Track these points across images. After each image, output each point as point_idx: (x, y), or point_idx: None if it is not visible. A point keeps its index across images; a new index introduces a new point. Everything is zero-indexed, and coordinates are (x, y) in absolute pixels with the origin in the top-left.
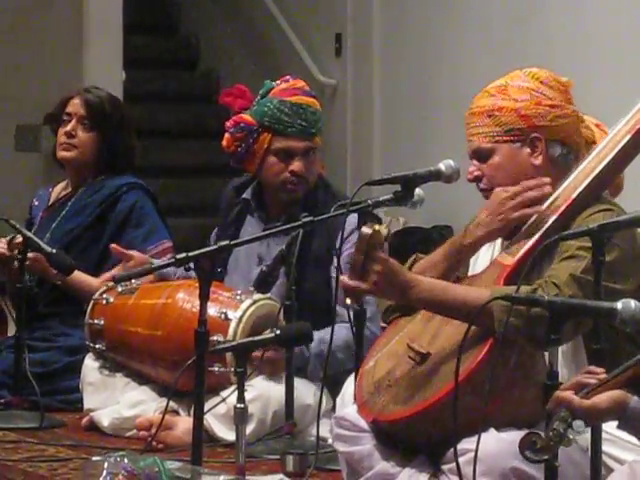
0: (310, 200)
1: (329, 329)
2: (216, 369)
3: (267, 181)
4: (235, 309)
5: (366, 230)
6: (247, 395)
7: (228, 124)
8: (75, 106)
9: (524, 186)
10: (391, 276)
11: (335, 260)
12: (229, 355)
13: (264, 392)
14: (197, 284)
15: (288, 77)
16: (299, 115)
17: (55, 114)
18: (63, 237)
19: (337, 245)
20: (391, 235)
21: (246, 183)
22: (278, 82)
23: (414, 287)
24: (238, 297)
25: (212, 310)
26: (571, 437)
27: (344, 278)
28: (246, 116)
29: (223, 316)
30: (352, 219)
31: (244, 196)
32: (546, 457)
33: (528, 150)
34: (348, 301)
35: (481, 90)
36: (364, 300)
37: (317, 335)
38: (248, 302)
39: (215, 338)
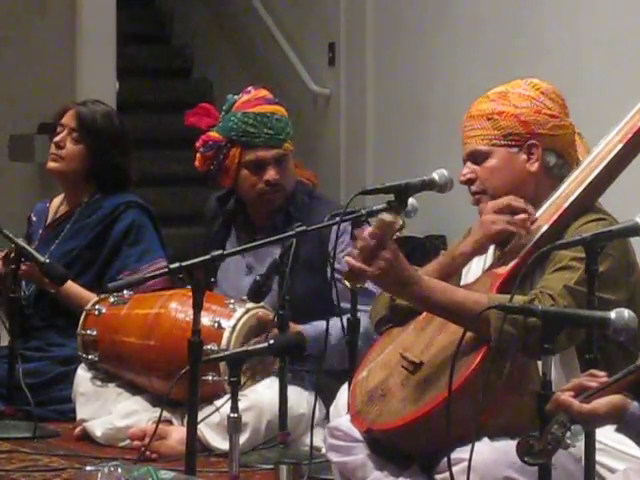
0: (291, 206)
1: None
2: (210, 378)
3: (244, 194)
4: (228, 318)
5: (386, 217)
6: (241, 404)
7: (197, 144)
8: (68, 117)
9: (512, 197)
10: (397, 267)
11: (330, 263)
12: (223, 364)
13: (258, 401)
14: (190, 293)
15: (250, 88)
16: (264, 124)
17: (52, 124)
18: (62, 258)
19: (330, 249)
20: (402, 230)
21: (228, 194)
22: (240, 95)
23: (416, 284)
24: (231, 306)
25: (205, 319)
26: (569, 441)
27: (350, 259)
28: (213, 134)
29: (216, 325)
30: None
31: (227, 207)
32: (543, 461)
33: (524, 156)
34: (347, 283)
35: (480, 96)
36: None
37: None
38: (241, 311)
39: (209, 347)
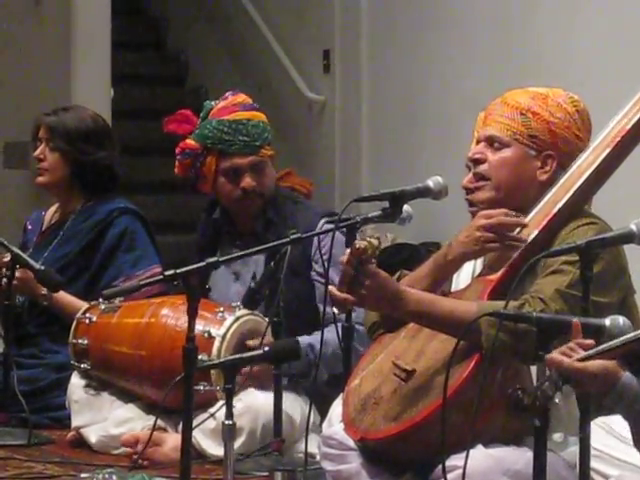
0: (272, 211)
1: (329, 329)
2: (201, 388)
3: (223, 201)
4: (219, 327)
5: (357, 243)
6: (235, 409)
7: (176, 151)
8: (42, 131)
9: (503, 212)
10: (380, 289)
11: (314, 265)
12: (214, 373)
13: (253, 404)
14: (179, 300)
15: (228, 94)
16: (239, 131)
17: (33, 139)
18: (55, 263)
19: (314, 251)
20: (380, 250)
21: (216, 203)
22: (217, 101)
23: (402, 299)
24: (220, 315)
25: (196, 327)
26: (557, 401)
27: (333, 289)
28: (190, 141)
29: (207, 335)
30: (323, 222)
31: (214, 216)
32: (531, 414)
33: (538, 163)
34: (335, 310)
35: (521, 89)
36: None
37: (316, 338)
38: (231, 319)
39: (200, 357)
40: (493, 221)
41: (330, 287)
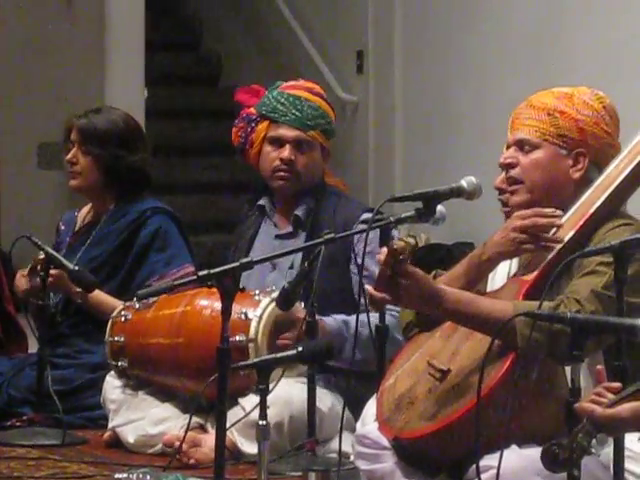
0: (313, 199)
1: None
2: (237, 339)
3: (263, 172)
4: (255, 308)
5: (394, 243)
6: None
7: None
8: (73, 134)
9: (537, 212)
10: (418, 288)
11: (354, 257)
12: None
13: (279, 396)
14: (214, 289)
15: (302, 80)
16: (294, 106)
17: (65, 141)
18: (88, 264)
19: (356, 241)
20: (417, 248)
21: (260, 193)
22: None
23: (440, 298)
24: (256, 297)
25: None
26: (593, 450)
27: (370, 288)
28: (251, 109)
29: (243, 316)
30: (364, 216)
31: (259, 203)
32: (569, 470)
33: (570, 162)
34: (372, 308)
35: (544, 90)
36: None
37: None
38: (267, 300)
39: (237, 338)
40: (528, 222)
41: (367, 287)
